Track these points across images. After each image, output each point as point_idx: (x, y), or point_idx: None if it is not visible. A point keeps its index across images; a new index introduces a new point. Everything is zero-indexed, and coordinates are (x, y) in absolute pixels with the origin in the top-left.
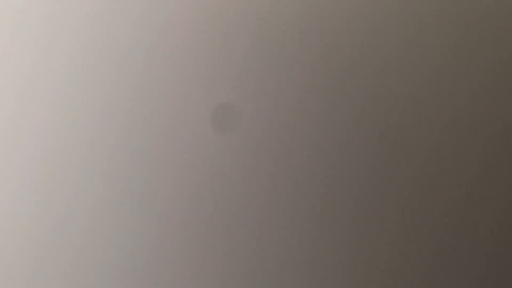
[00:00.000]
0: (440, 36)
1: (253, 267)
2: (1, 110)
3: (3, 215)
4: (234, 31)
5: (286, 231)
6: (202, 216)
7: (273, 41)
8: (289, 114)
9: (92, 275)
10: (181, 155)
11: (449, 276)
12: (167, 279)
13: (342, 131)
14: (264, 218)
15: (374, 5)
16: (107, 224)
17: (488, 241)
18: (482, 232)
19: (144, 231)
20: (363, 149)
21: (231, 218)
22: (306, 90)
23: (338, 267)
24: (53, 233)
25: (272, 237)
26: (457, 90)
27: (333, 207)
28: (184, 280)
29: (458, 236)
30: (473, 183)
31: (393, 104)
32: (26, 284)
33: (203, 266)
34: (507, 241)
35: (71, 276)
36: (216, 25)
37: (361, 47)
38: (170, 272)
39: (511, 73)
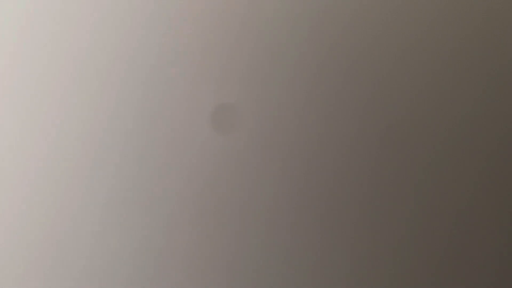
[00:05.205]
0: (443, 36)
1: (255, 268)
2: (8, 111)
3: (9, 216)
4: (236, 31)
5: (289, 231)
6: (203, 217)
7: (275, 42)
8: (292, 115)
9: (96, 276)
10: (184, 156)
11: (452, 278)
12: (168, 279)
13: (345, 132)
14: (267, 218)
15: (377, 6)
16: (105, 223)
17: (491, 242)
18: (486, 234)
19: (144, 231)
20: (366, 150)
21: (232, 219)
22: (309, 91)
23: (339, 267)
24: (57, 235)
25: (275, 238)
26: (461, 91)
27: (336, 208)
28: (186, 280)
29: (462, 238)
30: (477, 184)
31: (395, 106)
32: (33, 285)
33: (205, 267)
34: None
35: (78, 278)
36: (218, 26)
37: (365, 50)
38: (172, 272)
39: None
